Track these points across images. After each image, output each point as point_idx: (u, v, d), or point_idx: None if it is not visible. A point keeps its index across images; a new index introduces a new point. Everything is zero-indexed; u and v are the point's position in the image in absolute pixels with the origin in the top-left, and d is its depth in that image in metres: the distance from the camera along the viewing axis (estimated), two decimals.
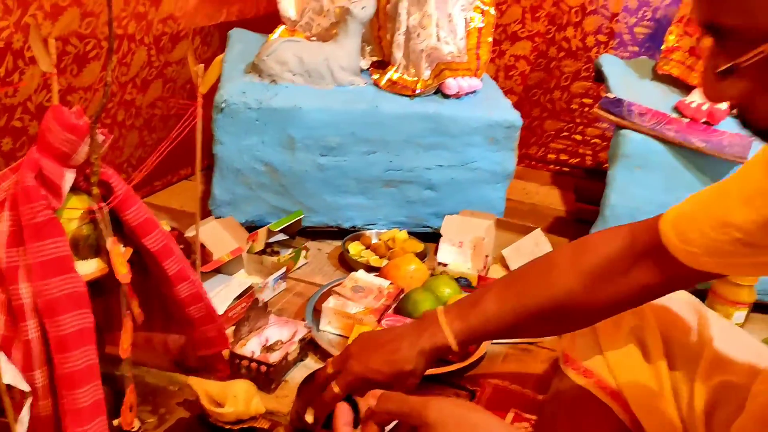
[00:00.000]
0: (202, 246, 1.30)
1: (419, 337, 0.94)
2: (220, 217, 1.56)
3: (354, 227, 1.70)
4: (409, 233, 1.70)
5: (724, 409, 0.86)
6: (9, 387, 0.80)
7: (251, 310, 1.18)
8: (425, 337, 0.94)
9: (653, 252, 0.84)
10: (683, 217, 0.82)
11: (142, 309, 0.95)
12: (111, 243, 0.90)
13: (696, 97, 1.58)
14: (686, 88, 1.67)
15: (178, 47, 1.82)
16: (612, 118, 1.49)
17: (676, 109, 1.59)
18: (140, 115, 1.79)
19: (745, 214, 0.74)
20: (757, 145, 1.43)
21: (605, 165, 2.41)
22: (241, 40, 1.85)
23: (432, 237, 1.72)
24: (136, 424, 1.01)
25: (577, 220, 2.00)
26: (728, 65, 0.54)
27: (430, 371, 1.15)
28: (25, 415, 0.83)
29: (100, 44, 1.54)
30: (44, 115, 0.83)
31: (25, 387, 0.82)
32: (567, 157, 2.49)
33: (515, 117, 1.64)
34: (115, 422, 0.98)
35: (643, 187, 1.49)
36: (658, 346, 0.93)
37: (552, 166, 2.51)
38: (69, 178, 0.86)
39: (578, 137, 2.45)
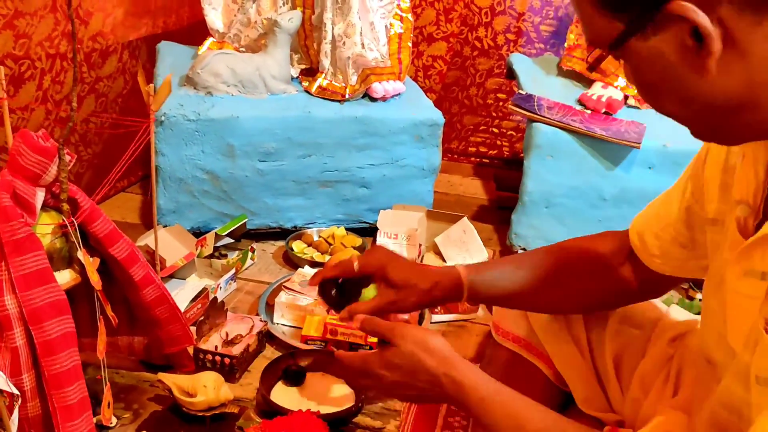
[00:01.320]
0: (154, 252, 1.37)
1: (441, 275, 0.99)
2: (166, 226, 1.63)
3: (295, 227, 1.81)
4: (347, 229, 1.82)
5: (629, 357, 1.03)
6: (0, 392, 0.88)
7: (210, 309, 1.28)
8: (445, 277, 0.99)
9: (630, 256, 0.93)
10: (642, 221, 0.91)
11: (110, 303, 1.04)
12: (82, 254, 0.98)
13: (596, 90, 1.78)
14: (588, 82, 1.86)
15: (107, 62, 1.87)
16: (524, 112, 1.67)
17: (580, 101, 1.78)
18: (75, 131, 1.83)
19: (676, 212, 0.84)
20: (650, 131, 1.64)
21: (521, 155, 2.61)
22: (170, 53, 1.91)
23: (368, 231, 1.85)
24: (113, 420, 1.09)
25: (498, 207, 2.17)
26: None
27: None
28: (15, 416, 0.90)
29: (34, 65, 1.58)
30: (14, 139, 0.91)
31: (14, 390, 0.90)
32: (486, 149, 2.68)
33: (437, 115, 1.79)
34: (94, 419, 1.06)
35: (555, 173, 1.67)
36: (578, 315, 1.08)
37: (473, 159, 2.69)
38: (40, 196, 0.93)
39: (495, 130, 2.64)
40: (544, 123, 1.65)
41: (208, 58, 1.68)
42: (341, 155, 1.75)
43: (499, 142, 2.66)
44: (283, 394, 1.19)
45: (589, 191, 1.68)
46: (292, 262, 1.70)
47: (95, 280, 0.98)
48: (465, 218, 1.70)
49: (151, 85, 1.09)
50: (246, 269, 1.66)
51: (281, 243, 1.80)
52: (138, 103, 1.22)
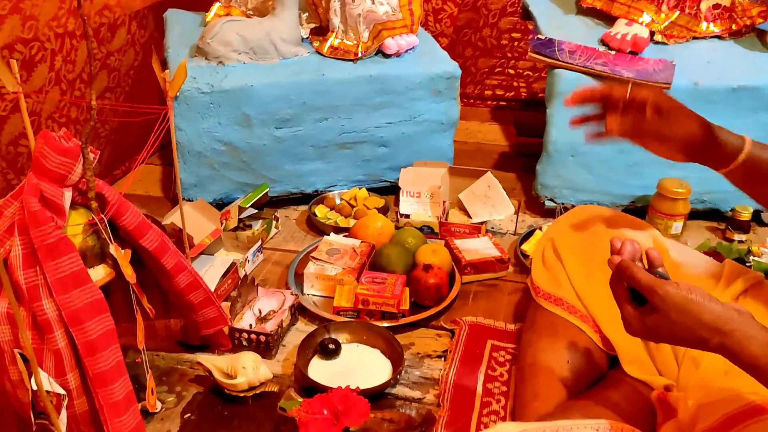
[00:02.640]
0: (181, 230, 1.38)
1: (720, 128, 0.99)
2: (189, 200, 1.63)
3: (317, 191, 1.80)
4: (369, 190, 1.81)
5: None
6: (47, 392, 0.90)
7: (241, 286, 1.29)
8: (724, 132, 0.99)
9: None
10: None
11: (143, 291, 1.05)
12: (114, 249, 0.98)
13: (620, 28, 1.72)
14: (610, 20, 1.79)
15: (116, 36, 1.83)
16: (545, 60, 1.62)
17: (603, 41, 1.72)
18: (91, 109, 1.81)
19: None
20: (679, 69, 1.58)
21: (540, 95, 2.56)
22: (177, 22, 1.87)
23: (390, 190, 1.84)
24: (158, 405, 1.12)
25: (520, 154, 2.14)
26: None
27: (411, 318, 1.29)
28: (63, 415, 0.93)
29: (44, 46, 1.56)
30: (36, 142, 0.90)
31: (60, 390, 0.92)
32: (503, 91, 2.63)
33: (454, 67, 1.75)
34: (139, 406, 1.09)
35: None
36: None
37: (489, 102, 2.65)
38: (68, 196, 0.93)
39: (511, 71, 2.58)
40: (567, 69, 1.60)
41: (217, 27, 1.64)
42: (358, 116, 1.72)
43: (515, 84, 2.61)
44: (320, 369, 1.21)
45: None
46: (315, 227, 1.70)
47: (129, 274, 0.99)
48: (489, 173, 1.68)
49: (167, 71, 1.07)
50: (271, 238, 1.67)
51: (304, 207, 1.80)
52: (150, 75, 1.20)
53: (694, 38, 1.75)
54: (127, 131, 1.95)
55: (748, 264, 1.44)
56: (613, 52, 1.66)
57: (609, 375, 1.10)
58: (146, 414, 1.10)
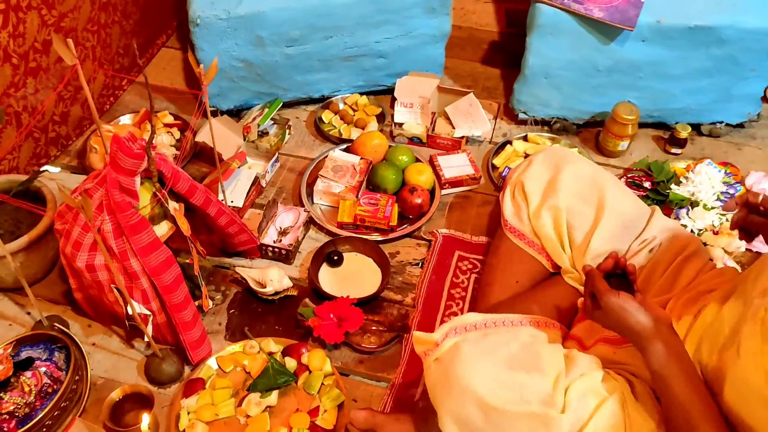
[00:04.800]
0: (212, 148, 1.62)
1: None
2: (213, 108, 1.86)
3: (323, 96, 2.02)
4: (368, 93, 2.02)
5: (579, 224, 1.32)
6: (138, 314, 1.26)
7: (266, 209, 1.59)
8: None
9: None
10: None
11: (193, 230, 1.35)
12: (173, 210, 1.28)
13: None
14: None
15: None
16: None
17: None
18: (51, 74, 1.72)
19: None
20: (647, 6, 1.71)
21: None
22: None
23: (387, 92, 2.05)
24: (210, 303, 1.49)
25: (506, 51, 2.28)
26: None
27: (397, 232, 1.61)
28: (149, 326, 1.29)
29: None
30: (110, 145, 1.15)
31: (146, 312, 1.28)
32: None
33: None
34: (196, 304, 1.45)
35: (554, 49, 1.80)
36: (563, 216, 1.34)
37: None
38: (138, 180, 1.20)
39: None
40: (547, 4, 1.73)
41: None
42: (360, 33, 1.88)
43: None
44: (327, 275, 1.56)
45: (584, 64, 1.82)
46: (322, 133, 1.95)
47: (185, 228, 1.29)
48: (471, 94, 1.88)
49: (202, 65, 1.26)
50: (285, 143, 1.92)
51: (312, 108, 2.03)
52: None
53: None
54: (150, 19, 2.08)
55: (669, 190, 1.72)
56: None
57: (552, 277, 1.42)
58: (202, 311, 1.48)
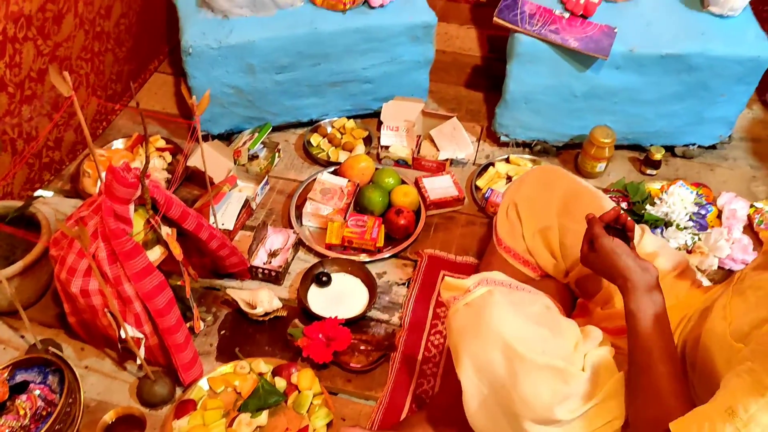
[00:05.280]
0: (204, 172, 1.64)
1: None
2: (204, 132, 1.89)
3: (312, 120, 2.06)
4: (355, 117, 2.07)
5: (571, 241, 1.36)
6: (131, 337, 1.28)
7: (256, 232, 1.62)
8: None
9: None
10: None
11: (185, 253, 1.38)
12: (166, 236, 1.31)
13: None
14: None
15: (63, 24, 1.75)
16: (508, 25, 1.80)
17: (561, 0, 1.87)
18: (45, 101, 1.75)
19: None
20: (620, 35, 1.77)
21: None
22: None
23: (373, 116, 2.10)
24: (201, 325, 1.51)
25: (488, 75, 2.34)
26: None
27: (384, 253, 1.64)
28: (141, 349, 1.32)
29: None
30: (105, 174, 1.18)
31: (139, 335, 1.30)
32: None
33: (431, 17, 1.91)
34: (187, 326, 1.47)
35: (533, 76, 1.85)
36: (556, 234, 1.38)
37: None
38: (132, 207, 1.23)
39: None
40: (525, 34, 1.79)
41: None
42: (347, 60, 1.92)
43: None
44: (316, 295, 1.59)
45: (562, 89, 1.88)
46: (311, 155, 1.98)
47: (177, 252, 1.32)
48: (455, 118, 1.93)
49: (195, 96, 1.29)
50: (275, 166, 1.96)
51: (301, 131, 2.07)
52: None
53: None
54: (141, 47, 2.13)
55: (644, 210, 1.77)
56: (567, 15, 1.83)
57: (546, 278, 1.43)
58: (193, 333, 1.50)
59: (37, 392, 1.32)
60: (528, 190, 1.46)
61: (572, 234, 1.37)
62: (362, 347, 1.47)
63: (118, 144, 1.95)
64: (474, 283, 1.12)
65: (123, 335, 1.27)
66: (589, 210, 1.39)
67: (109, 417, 1.29)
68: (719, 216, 1.78)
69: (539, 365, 1.00)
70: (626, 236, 1.14)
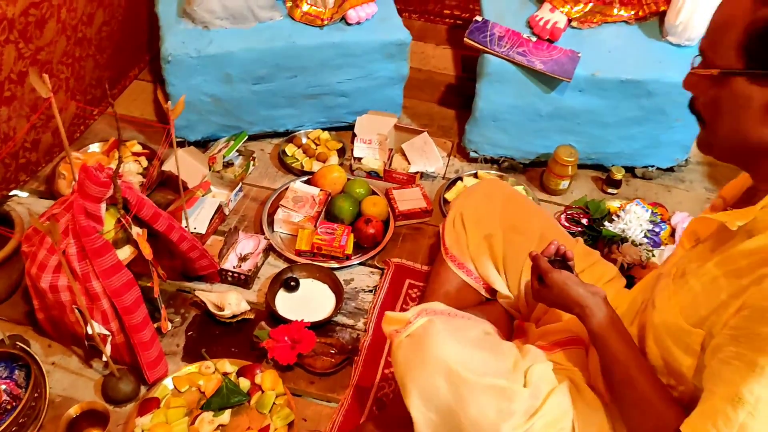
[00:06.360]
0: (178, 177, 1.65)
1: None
2: (181, 139, 1.91)
3: (287, 130, 2.08)
4: (330, 128, 2.10)
5: (513, 252, 1.41)
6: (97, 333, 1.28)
7: (228, 236, 1.63)
8: None
9: None
10: None
11: (156, 255, 1.38)
12: (136, 235, 1.31)
13: (544, 13, 1.92)
14: (540, 1, 1.98)
15: (46, 29, 1.75)
16: (478, 46, 1.84)
17: (529, 23, 1.93)
18: (25, 103, 1.76)
19: None
20: (583, 59, 1.82)
21: None
22: None
23: (347, 129, 2.13)
24: (168, 325, 1.52)
25: (461, 94, 2.39)
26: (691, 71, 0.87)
27: (352, 261, 1.66)
28: (108, 346, 1.32)
29: (51, 3, 1.72)
30: (78, 173, 1.18)
31: (106, 332, 1.30)
32: (459, 12, 2.78)
33: (405, 35, 1.96)
34: (155, 326, 1.47)
35: (501, 95, 1.90)
36: (500, 242, 1.43)
37: (448, 20, 2.81)
38: (103, 207, 1.24)
39: None
40: (494, 55, 1.84)
41: None
42: (323, 74, 1.96)
43: (471, 6, 2.76)
44: (284, 300, 1.60)
45: (528, 109, 1.93)
46: (285, 165, 2.00)
47: (147, 252, 1.33)
48: (425, 133, 1.97)
49: (170, 102, 1.31)
50: (249, 174, 1.98)
51: (276, 141, 2.09)
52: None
53: (606, 23, 1.96)
54: (122, 56, 2.14)
55: (602, 227, 1.81)
56: (534, 38, 1.88)
57: (487, 302, 1.49)
58: (161, 334, 1.50)
59: (3, 386, 1.31)
60: (473, 201, 1.51)
61: (514, 246, 1.42)
62: (326, 350, 1.48)
63: (95, 148, 1.95)
64: (414, 315, 1.13)
65: (90, 332, 1.27)
66: (525, 213, 1.45)
67: (73, 411, 1.29)
68: (672, 234, 1.83)
69: (483, 386, 1.02)
70: (568, 266, 1.18)
